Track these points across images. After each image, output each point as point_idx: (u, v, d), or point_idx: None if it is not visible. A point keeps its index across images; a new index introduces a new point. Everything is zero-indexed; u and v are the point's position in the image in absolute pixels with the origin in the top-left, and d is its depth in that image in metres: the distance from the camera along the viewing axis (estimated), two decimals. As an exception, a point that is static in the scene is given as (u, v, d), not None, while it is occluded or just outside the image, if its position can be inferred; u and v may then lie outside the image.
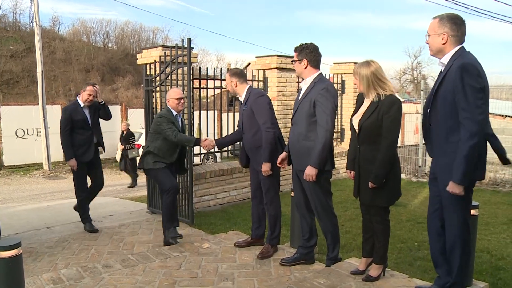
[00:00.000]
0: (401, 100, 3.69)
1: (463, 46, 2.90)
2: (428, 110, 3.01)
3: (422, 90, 9.81)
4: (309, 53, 3.71)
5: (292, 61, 3.88)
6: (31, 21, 33.71)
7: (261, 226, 4.56)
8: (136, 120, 16.79)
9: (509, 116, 9.78)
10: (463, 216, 2.93)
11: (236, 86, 4.32)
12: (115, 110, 17.21)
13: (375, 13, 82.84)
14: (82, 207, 5.66)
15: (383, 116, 3.20)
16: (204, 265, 4.02)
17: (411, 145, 10.84)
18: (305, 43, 3.75)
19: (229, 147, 7.64)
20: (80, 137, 5.58)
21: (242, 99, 4.33)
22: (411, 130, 16.52)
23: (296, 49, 3.77)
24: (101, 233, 5.41)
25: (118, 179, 13.63)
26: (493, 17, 13.92)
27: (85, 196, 5.65)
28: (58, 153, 15.41)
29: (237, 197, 7.06)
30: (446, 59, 2.90)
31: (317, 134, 3.58)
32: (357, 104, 3.46)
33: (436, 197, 3.07)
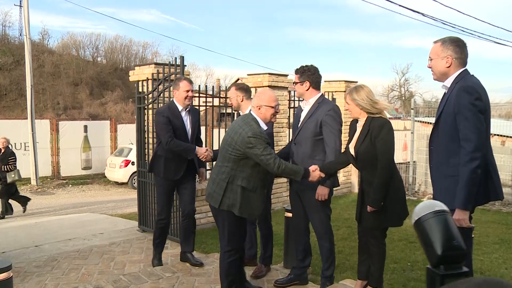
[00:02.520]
0: (389, 116, 3.74)
1: (466, 69, 2.89)
2: (430, 133, 3.03)
3: (412, 109, 9.92)
4: (311, 75, 3.76)
5: (293, 83, 3.89)
6: (20, 34, 33.59)
7: (254, 246, 4.55)
8: (126, 135, 16.71)
9: (496, 135, 9.89)
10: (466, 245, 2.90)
11: (242, 101, 4.38)
12: (104, 125, 17.16)
13: (362, 30, 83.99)
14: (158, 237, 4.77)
15: (375, 140, 3.24)
16: (197, 286, 3.98)
17: (400, 163, 10.90)
18: (306, 66, 3.80)
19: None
20: (163, 148, 4.44)
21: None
22: (399, 148, 16.71)
23: (297, 71, 3.80)
24: (91, 251, 5.33)
25: (107, 196, 13.50)
26: (479, 36, 14.19)
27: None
28: (46, 168, 15.29)
29: (229, 215, 7.01)
30: (449, 82, 2.89)
31: (326, 154, 3.65)
32: (351, 132, 3.50)
33: None
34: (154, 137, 5.99)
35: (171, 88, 4.51)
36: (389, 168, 3.27)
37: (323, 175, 3.52)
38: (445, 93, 2.96)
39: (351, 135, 3.49)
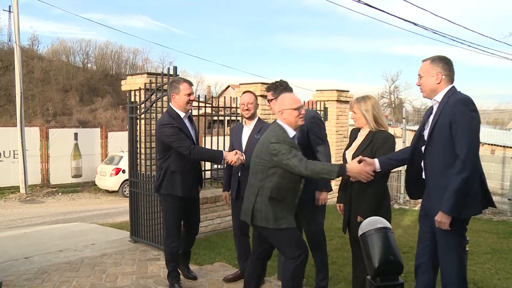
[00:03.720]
0: None
1: (454, 86, 2.99)
2: (423, 147, 3.06)
3: (404, 118, 10.00)
4: (284, 90, 3.76)
5: (268, 100, 3.91)
6: (9, 39, 33.40)
7: (248, 258, 4.52)
8: (116, 143, 16.63)
9: (486, 144, 9.99)
10: (459, 253, 2.93)
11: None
12: (94, 132, 17.07)
13: (353, 37, 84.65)
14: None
15: (376, 151, 3.27)
16: (190, 300, 3.94)
17: (391, 172, 10.95)
18: (277, 82, 3.87)
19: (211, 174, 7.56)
20: (178, 162, 4.01)
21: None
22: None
23: (269, 89, 3.85)
24: (83, 263, 5.26)
25: (97, 204, 13.39)
26: (469, 45, 14.40)
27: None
28: (35, 176, 15.14)
29: (221, 225, 6.98)
30: (440, 96, 2.97)
31: (319, 159, 3.68)
32: (351, 139, 3.56)
33: (426, 233, 3.08)
34: (146, 149, 5.96)
35: (169, 92, 4.06)
36: (386, 181, 3.31)
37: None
38: (432, 107, 3.05)
39: (350, 142, 3.53)
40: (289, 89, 3.81)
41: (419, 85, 3.10)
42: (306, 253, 3.25)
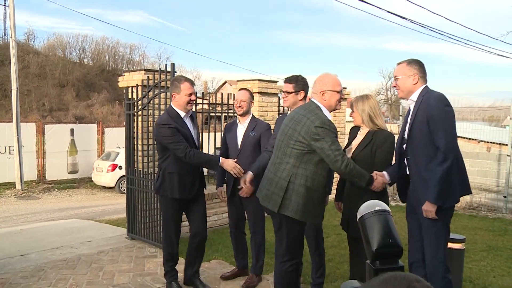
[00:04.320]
0: None
1: (427, 85, 3.18)
2: (404, 146, 3.21)
3: (401, 115, 10.02)
4: (305, 85, 3.76)
5: (287, 92, 3.73)
6: (5, 34, 33.21)
7: (245, 256, 4.54)
8: (113, 139, 16.59)
9: (483, 141, 10.01)
10: (443, 243, 3.08)
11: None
12: (91, 128, 17.02)
13: (349, 33, 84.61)
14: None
15: (376, 150, 3.30)
16: (188, 298, 3.94)
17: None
18: (297, 76, 3.77)
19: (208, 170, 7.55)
20: (176, 163, 3.89)
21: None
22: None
23: (291, 80, 3.73)
24: (79, 260, 5.26)
25: (94, 200, 13.36)
26: (465, 43, 14.41)
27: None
28: (31, 172, 15.10)
29: (218, 222, 6.98)
30: (415, 96, 3.16)
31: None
32: (350, 137, 3.57)
33: (416, 228, 3.19)
34: (143, 146, 5.95)
35: (170, 90, 3.95)
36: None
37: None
38: (409, 107, 3.25)
39: (349, 141, 3.55)
40: (308, 86, 3.80)
41: (395, 87, 3.30)
42: (300, 264, 3.32)
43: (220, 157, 3.93)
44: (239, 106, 4.21)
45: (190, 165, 3.85)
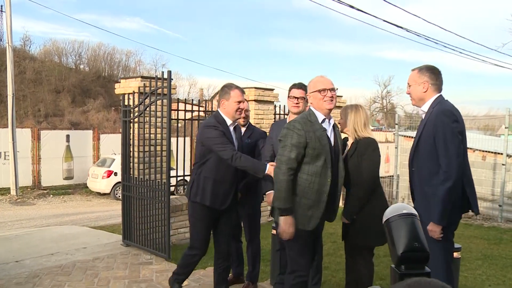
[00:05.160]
0: (371, 128, 3.84)
1: (441, 94, 3.09)
2: (412, 155, 3.16)
3: (396, 124, 10.07)
4: None
5: (300, 98, 3.75)
6: (1, 40, 33.16)
7: (241, 263, 4.54)
8: (108, 145, 16.57)
9: (478, 150, 10.06)
10: (446, 259, 3.02)
11: None
12: (87, 134, 16.99)
13: (345, 41, 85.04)
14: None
15: (361, 157, 3.33)
16: (183, 305, 3.93)
17: (383, 177, 11.01)
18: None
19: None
20: (214, 169, 3.69)
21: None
22: (382, 160, 16.87)
23: (303, 87, 3.76)
24: (74, 267, 5.24)
25: (89, 206, 13.31)
26: (460, 52, 14.52)
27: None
28: (26, 178, 15.04)
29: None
30: (426, 107, 3.09)
31: None
32: (343, 147, 3.56)
33: None
34: (139, 153, 5.95)
35: (219, 96, 3.80)
36: (370, 186, 3.35)
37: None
38: (422, 118, 3.17)
39: (343, 150, 3.55)
40: None
41: (408, 94, 3.22)
42: (308, 276, 3.18)
43: (268, 164, 3.60)
44: (245, 117, 4.21)
45: (229, 173, 3.67)
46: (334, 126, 3.20)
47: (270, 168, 3.55)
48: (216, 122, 3.65)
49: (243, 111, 3.86)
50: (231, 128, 3.74)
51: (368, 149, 3.36)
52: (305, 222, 3.02)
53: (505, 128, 9.06)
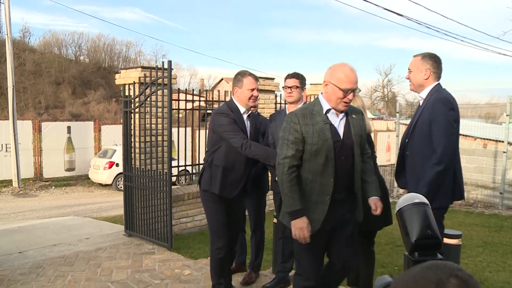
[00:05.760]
0: (372, 116, 3.84)
1: (439, 83, 3.15)
2: (407, 140, 3.23)
3: (397, 112, 10.06)
4: (305, 84, 3.87)
5: (293, 87, 3.77)
6: (0, 31, 33.03)
7: (243, 252, 4.56)
8: (109, 136, 16.58)
9: (479, 138, 10.05)
10: None
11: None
12: (88, 126, 16.99)
13: (345, 30, 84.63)
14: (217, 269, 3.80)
15: None
16: (186, 294, 3.96)
17: (385, 165, 11.03)
18: (299, 73, 3.83)
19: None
20: (225, 157, 3.58)
21: None
22: (383, 149, 16.86)
23: (297, 76, 3.80)
24: (77, 257, 5.27)
25: (91, 198, 13.36)
26: (462, 40, 14.46)
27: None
28: (28, 170, 15.07)
29: (215, 219, 7.01)
30: (424, 93, 3.15)
31: None
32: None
33: None
34: (140, 143, 5.96)
35: (232, 84, 3.70)
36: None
37: None
38: (419, 104, 3.25)
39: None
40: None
41: (408, 79, 3.27)
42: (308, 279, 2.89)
43: None
44: (255, 107, 4.16)
45: (241, 161, 3.56)
46: (349, 115, 2.78)
47: None
48: (228, 109, 3.57)
49: (255, 98, 3.69)
50: (245, 116, 3.63)
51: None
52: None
53: (506, 116, 9.04)
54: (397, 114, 10.08)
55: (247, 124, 3.64)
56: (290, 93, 3.79)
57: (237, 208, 3.79)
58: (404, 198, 1.83)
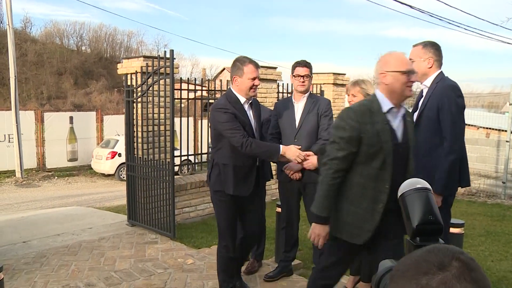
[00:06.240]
0: None
1: (442, 71, 3.15)
2: None
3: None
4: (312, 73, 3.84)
5: (305, 76, 3.71)
6: (1, 22, 32.94)
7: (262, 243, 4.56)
8: (112, 126, 16.57)
9: (482, 127, 10.01)
10: (446, 227, 3.09)
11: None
12: (90, 116, 16.97)
13: (348, 20, 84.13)
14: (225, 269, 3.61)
15: None
16: (189, 282, 3.98)
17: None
18: (309, 62, 3.80)
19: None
20: (232, 154, 3.35)
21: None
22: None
23: (307, 65, 3.75)
24: (81, 247, 5.30)
25: (94, 188, 13.39)
26: (465, 28, 14.37)
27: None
28: (31, 160, 15.09)
29: (218, 208, 7.02)
30: (429, 81, 3.14)
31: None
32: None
33: None
34: (142, 133, 5.96)
35: (231, 72, 3.45)
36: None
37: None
38: (422, 91, 3.22)
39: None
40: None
41: None
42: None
43: (281, 146, 3.33)
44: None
45: (248, 156, 3.34)
46: (405, 117, 2.56)
47: (283, 149, 3.30)
48: (227, 103, 3.31)
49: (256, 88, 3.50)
50: (246, 106, 3.40)
51: None
52: (353, 233, 2.49)
53: (509, 105, 9.00)
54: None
55: (249, 113, 3.42)
56: (302, 82, 3.69)
57: (254, 206, 3.59)
58: (406, 183, 1.82)
